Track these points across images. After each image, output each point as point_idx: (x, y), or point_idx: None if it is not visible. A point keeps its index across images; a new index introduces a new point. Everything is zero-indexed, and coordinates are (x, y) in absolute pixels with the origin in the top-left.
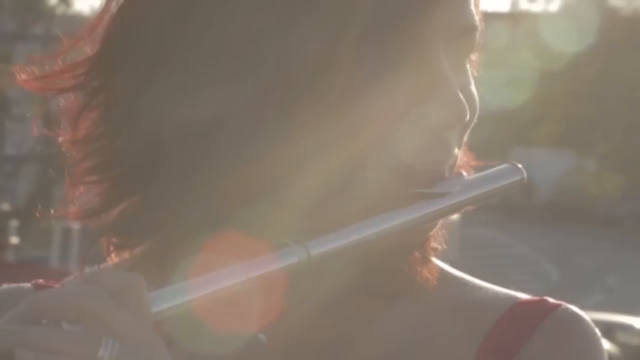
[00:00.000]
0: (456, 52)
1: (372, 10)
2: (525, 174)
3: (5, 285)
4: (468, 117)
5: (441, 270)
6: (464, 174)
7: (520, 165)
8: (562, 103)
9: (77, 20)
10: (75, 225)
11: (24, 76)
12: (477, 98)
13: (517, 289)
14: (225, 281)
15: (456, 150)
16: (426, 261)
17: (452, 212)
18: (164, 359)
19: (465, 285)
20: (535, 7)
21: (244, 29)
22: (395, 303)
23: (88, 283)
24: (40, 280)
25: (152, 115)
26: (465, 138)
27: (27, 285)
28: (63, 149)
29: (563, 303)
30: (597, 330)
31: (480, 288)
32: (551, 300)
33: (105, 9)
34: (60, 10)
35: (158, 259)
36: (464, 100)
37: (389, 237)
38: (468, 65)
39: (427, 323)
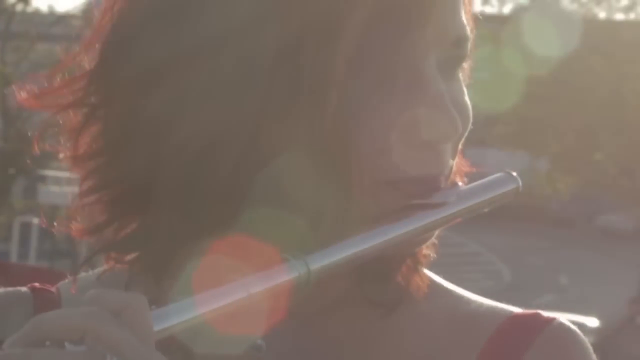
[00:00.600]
0: (448, 62)
1: (365, 24)
2: (520, 183)
3: (1, 289)
4: (461, 130)
5: (434, 282)
6: (459, 184)
7: (514, 174)
8: (515, 104)
9: (36, 17)
10: (35, 221)
11: (23, 94)
12: (469, 108)
13: (469, 287)
14: (227, 298)
15: (450, 161)
16: (418, 269)
17: (448, 222)
18: None
19: (459, 298)
20: (489, 10)
21: (239, 42)
22: (390, 314)
23: (90, 303)
24: (37, 284)
25: (151, 129)
26: (460, 146)
27: (24, 289)
28: (23, 144)
29: (556, 317)
30: (589, 344)
31: (474, 301)
32: (545, 314)
33: (100, 23)
34: (19, 7)
35: (155, 264)
36: (455, 114)
37: (387, 249)
38: (460, 75)
39: (423, 335)
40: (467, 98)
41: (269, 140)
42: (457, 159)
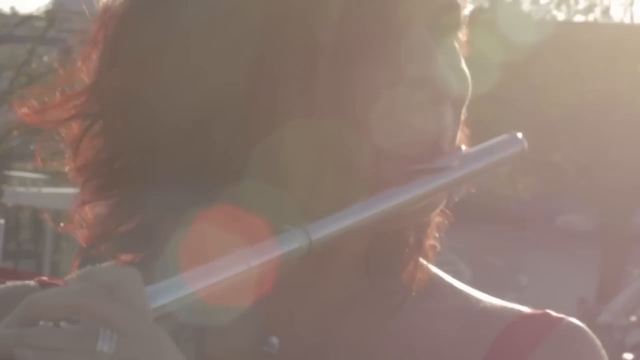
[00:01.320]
0: (440, 29)
1: None
2: (525, 144)
3: (10, 283)
4: (457, 92)
5: (444, 281)
6: (463, 147)
7: (520, 135)
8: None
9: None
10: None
11: (24, 110)
12: (467, 75)
13: None
14: (226, 271)
15: (451, 125)
16: (425, 259)
17: (453, 186)
18: (166, 348)
19: (468, 297)
20: None
21: (227, 19)
22: (400, 311)
23: (83, 280)
24: (45, 278)
25: (148, 115)
26: (462, 116)
27: (32, 282)
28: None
29: (565, 316)
30: (598, 342)
31: (483, 301)
32: (553, 313)
33: (95, 39)
34: None
35: (148, 234)
36: (449, 75)
37: (392, 217)
38: (456, 44)
39: (433, 334)
40: (464, 66)
41: (262, 114)
42: (460, 126)
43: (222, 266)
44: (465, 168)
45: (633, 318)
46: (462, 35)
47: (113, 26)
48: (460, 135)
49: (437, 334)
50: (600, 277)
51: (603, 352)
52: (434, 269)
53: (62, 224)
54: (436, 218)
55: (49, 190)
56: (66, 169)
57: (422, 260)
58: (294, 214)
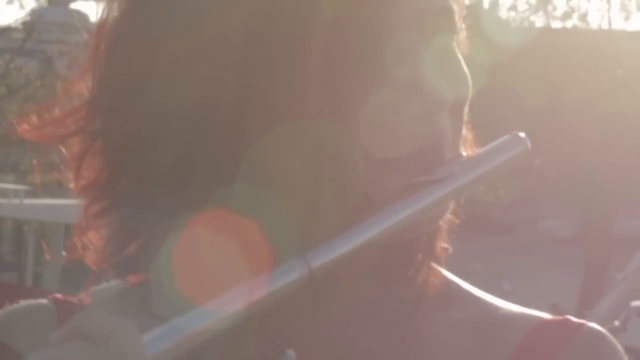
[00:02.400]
0: (434, 34)
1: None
2: (529, 144)
3: (24, 302)
4: (452, 96)
5: (461, 287)
6: (464, 154)
7: (522, 134)
8: None
9: None
10: None
11: (24, 127)
12: (467, 77)
13: None
14: (224, 311)
15: (450, 130)
16: (437, 262)
17: (457, 195)
18: None
19: (487, 305)
20: None
21: (214, 22)
22: (417, 319)
23: (75, 334)
24: (59, 295)
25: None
26: (464, 117)
27: (45, 301)
28: None
29: (585, 322)
30: (620, 347)
31: (502, 308)
32: (574, 319)
33: (93, 56)
34: None
35: (152, 253)
36: (439, 79)
37: (395, 234)
38: (455, 46)
39: (451, 343)
40: (462, 67)
41: (252, 117)
42: (463, 130)
43: (219, 306)
44: (468, 174)
45: (617, 322)
46: (462, 36)
47: (107, 42)
48: (465, 137)
49: (455, 342)
50: (583, 282)
51: (625, 357)
52: (451, 276)
53: (64, 254)
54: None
55: (31, 201)
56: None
57: (436, 266)
58: (287, 218)
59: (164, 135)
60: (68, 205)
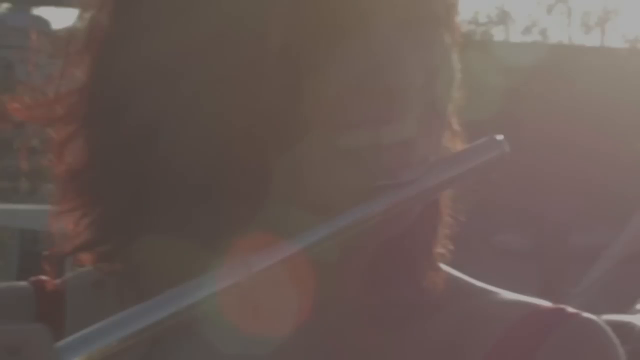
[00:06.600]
0: (411, 23)
1: None
2: (506, 147)
3: (3, 284)
4: (418, 83)
5: (460, 280)
6: (431, 157)
7: (500, 137)
8: None
9: None
10: None
11: (16, 105)
12: (447, 71)
13: None
14: (150, 317)
15: (417, 127)
16: (434, 267)
17: (420, 199)
18: None
19: (484, 295)
20: None
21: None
22: (414, 317)
23: None
24: (41, 277)
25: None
26: (445, 119)
27: (24, 283)
28: None
29: (580, 312)
30: (616, 340)
31: (498, 296)
32: (569, 309)
33: (91, 34)
34: None
35: (130, 246)
36: (409, 65)
37: (353, 238)
38: (437, 41)
39: (444, 339)
40: (444, 59)
41: (207, 120)
42: (437, 131)
43: (144, 310)
44: (436, 178)
45: None
46: (448, 28)
47: (103, 35)
48: (446, 141)
49: (450, 338)
50: (537, 296)
51: (620, 349)
52: (452, 272)
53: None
54: (444, 217)
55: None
56: (6, 186)
57: (438, 266)
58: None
59: (161, 135)
60: (24, 210)
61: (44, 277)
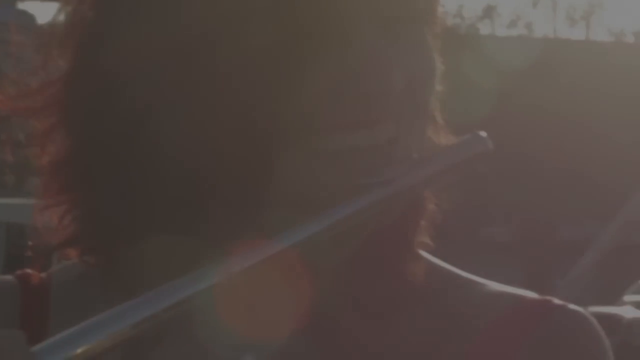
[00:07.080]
0: (393, 22)
1: None
2: (490, 144)
3: None
4: (396, 86)
5: (447, 271)
6: (414, 154)
7: (483, 134)
8: None
9: None
10: None
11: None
12: (431, 69)
13: None
14: (129, 318)
15: (396, 126)
16: (416, 258)
17: (404, 196)
18: None
19: (470, 286)
20: None
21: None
22: (400, 308)
23: None
24: (26, 270)
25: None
26: (428, 116)
27: (9, 277)
28: None
29: (566, 304)
30: (602, 332)
31: (484, 289)
32: (556, 300)
33: (74, 20)
34: None
35: (115, 238)
36: (388, 66)
37: (336, 237)
38: (419, 40)
39: (430, 330)
40: (426, 58)
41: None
42: (420, 128)
43: (122, 312)
44: (419, 176)
45: None
46: (431, 24)
47: (85, 26)
48: (430, 134)
49: (434, 333)
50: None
51: (606, 341)
52: (438, 262)
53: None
54: (427, 209)
55: None
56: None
57: (422, 257)
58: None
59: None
60: (10, 204)
61: (29, 271)
